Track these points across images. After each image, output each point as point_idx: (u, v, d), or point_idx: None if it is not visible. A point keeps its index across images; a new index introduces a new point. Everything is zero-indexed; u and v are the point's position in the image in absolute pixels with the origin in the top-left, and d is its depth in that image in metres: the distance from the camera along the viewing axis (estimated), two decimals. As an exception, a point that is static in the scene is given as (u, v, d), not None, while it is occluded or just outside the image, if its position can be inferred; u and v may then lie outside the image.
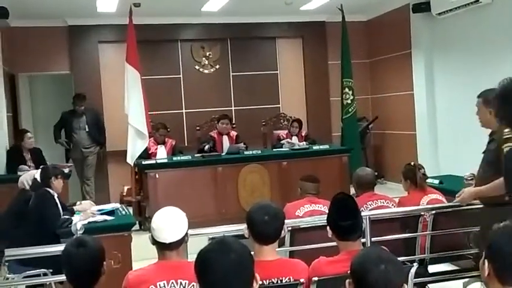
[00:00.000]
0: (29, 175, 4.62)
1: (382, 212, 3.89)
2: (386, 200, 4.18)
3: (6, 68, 7.75)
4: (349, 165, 7.07)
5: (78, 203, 4.83)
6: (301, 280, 2.51)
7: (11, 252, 3.45)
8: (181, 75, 9.08)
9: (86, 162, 7.85)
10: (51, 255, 3.39)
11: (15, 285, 4.09)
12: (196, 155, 6.97)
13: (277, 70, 9.56)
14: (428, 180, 4.67)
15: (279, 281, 2.50)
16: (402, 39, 8.67)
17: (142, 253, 3.84)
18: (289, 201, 4.32)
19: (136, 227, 5.67)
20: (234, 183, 6.66)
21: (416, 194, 4.22)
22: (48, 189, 4.34)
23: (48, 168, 4.62)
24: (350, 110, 8.34)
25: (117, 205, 4.83)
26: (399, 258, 3.34)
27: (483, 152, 3.62)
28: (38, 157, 7.02)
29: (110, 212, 4.59)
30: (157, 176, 6.42)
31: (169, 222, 2.52)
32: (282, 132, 8.12)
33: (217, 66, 9.23)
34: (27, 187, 4.50)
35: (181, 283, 2.41)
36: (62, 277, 2.38)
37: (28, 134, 7.14)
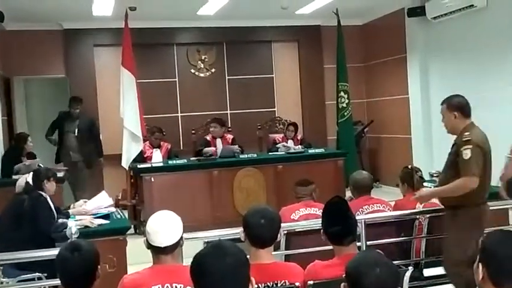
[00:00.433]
0: (25, 178, 4.59)
1: (377, 216, 3.89)
2: (382, 204, 4.18)
3: (2, 72, 7.74)
4: (345, 169, 7.08)
5: (72, 206, 4.80)
6: (297, 284, 2.51)
7: (5, 256, 3.43)
8: (177, 79, 9.09)
9: (78, 176, 7.65)
10: (46, 259, 3.39)
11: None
12: (192, 159, 6.96)
13: (272, 74, 9.57)
14: (424, 184, 4.68)
15: (274, 285, 2.49)
16: (397, 43, 8.70)
17: (137, 257, 3.83)
18: (284, 205, 4.32)
19: (132, 231, 5.65)
20: (229, 187, 6.65)
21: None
22: (40, 192, 4.30)
23: (40, 170, 4.57)
24: (345, 113, 8.35)
25: (113, 209, 4.79)
26: (394, 262, 3.36)
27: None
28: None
29: (105, 216, 4.57)
30: (152, 179, 6.40)
31: (164, 226, 2.51)
32: (278, 136, 8.12)
33: (213, 70, 9.24)
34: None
35: (176, 287, 2.41)
36: (57, 281, 2.37)
37: (29, 138, 7.13)
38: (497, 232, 1.91)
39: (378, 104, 9.54)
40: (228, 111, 9.26)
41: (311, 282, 2.54)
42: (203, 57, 9.18)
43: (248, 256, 2.12)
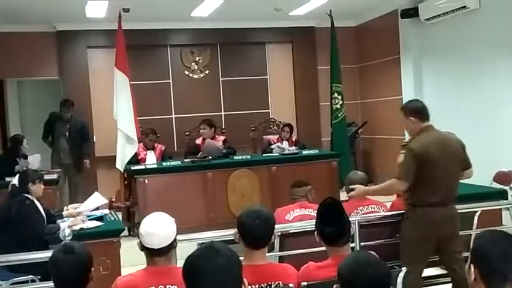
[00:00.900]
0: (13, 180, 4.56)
1: (370, 217, 3.89)
2: (377, 206, 4.17)
3: (-6, 73, 7.71)
4: (339, 170, 7.09)
5: (65, 208, 4.78)
6: (291, 285, 2.51)
7: (-2, 259, 3.42)
8: (170, 81, 9.08)
9: (70, 179, 7.65)
10: (40, 262, 3.38)
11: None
12: (186, 160, 6.95)
13: (266, 75, 9.58)
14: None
15: (268, 286, 2.50)
16: (391, 44, 8.72)
17: (131, 259, 3.81)
18: (279, 206, 4.32)
19: (125, 232, 5.63)
20: (223, 188, 6.64)
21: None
22: (27, 195, 4.26)
23: (25, 173, 4.49)
24: (339, 115, 8.36)
25: (106, 211, 4.78)
26: (389, 263, 3.36)
27: None
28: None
29: (99, 218, 4.56)
30: (146, 181, 6.38)
31: (158, 228, 2.51)
32: (273, 137, 8.11)
33: (207, 72, 9.23)
34: None
35: (169, 289, 2.41)
36: (50, 284, 2.36)
37: (25, 139, 7.10)
38: (487, 232, 1.91)
39: (372, 105, 9.56)
40: (222, 113, 9.26)
41: (305, 283, 2.54)
42: (197, 58, 9.18)
43: (242, 257, 2.12)
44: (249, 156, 7.12)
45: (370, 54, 9.49)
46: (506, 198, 4.70)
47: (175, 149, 8.66)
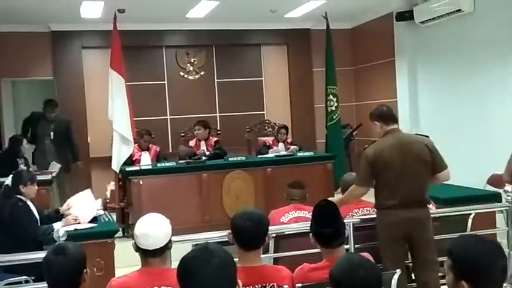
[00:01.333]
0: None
1: (365, 219, 3.89)
2: (372, 208, 4.17)
3: (-11, 73, 7.68)
4: (334, 172, 7.10)
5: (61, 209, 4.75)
6: (285, 286, 2.51)
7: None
8: (166, 82, 9.07)
9: (57, 180, 7.29)
10: (33, 262, 3.36)
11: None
12: (180, 161, 6.94)
13: (261, 77, 9.59)
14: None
15: (262, 287, 2.49)
16: (386, 47, 8.75)
17: (125, 260, 3.80)
18: (273, 207, 4.30)
19: (120, 234, 5.62)
20: (218, 189, 6.64)
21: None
22: (20, 196, 4.23)
23: (17, 174, 4.44)
24: (334, 117, 8.37)
25: (101, 211, 4.76)
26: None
27: None
28: (27, 162, 6.96)
29: (93, 219, 4.54)
30: (141, 182, 6.37)
31: (152, 229, 2.50)
32: (269, 139, 8.11)
33: (202, 73, 9.24)
34: None
35: (164, 290, 2.40)
36: (43, 284, 2.35)
37: (25, 140, 7.04)
38: (463, 236, 1.95)
39: (367, 108, 9.54)
40: (217, 114, 9.26)
41: (299, 285, 2.54)
42: (192, 59, 9.18)
43: (237, 259, 2.12)
44: (244, 158, 7.12)
45: (365, 56, 9.51)
46: (500, 201, 4.70)
47: (170, 150, 8.66)
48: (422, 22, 7.87)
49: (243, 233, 2.54)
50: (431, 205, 4.20)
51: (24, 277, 3.80)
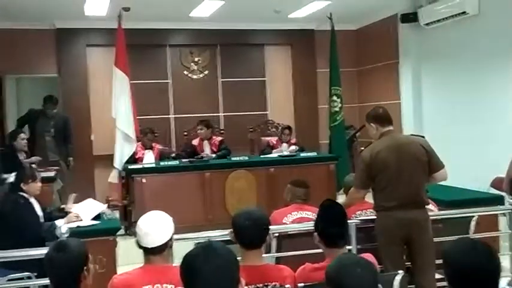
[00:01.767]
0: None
1: (367, 220, 3.88)
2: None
3: (-7, 70, 7.69)
4: (337, 173, 7.09)
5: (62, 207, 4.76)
6: (287, 286, 2.51)
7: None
8: (169, 81, 9.08)
9: (60, 176, 7.18)
10: (35, 259, 3.37)
11: (-1, 288, 4.04)
12: (184, 160, 6.94)
13: (265, 77, 9.59)
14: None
15: (264, 287, 2.49)
16: (390, 48, 8.74)
17: (127, 258, 3.81)
18: (276, 208, 4.30)
19: (122, 231, 5.63)
20: (221, 189, 6.64)
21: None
22: (22, 193, 4.24)
23: (21, 172, 4.45)
24: (338, 118, 8.35)
25: (104, 206, 4.76)
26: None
27: None
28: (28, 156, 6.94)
29: (96, 216, 4.55)
30: (144, 180, 6.38)
31: (153, 228, 2.51)
32: (272, 139, 8.11)
33: (206, 72, 9.24)
34: None
35: (166, 287, 2.40)
36: (46, 281, 2.36)
37: (21, 135, 6.98)
38: (454, 243, 1.95)
39: (370, 109, 9.54)
40: (221, 114, 9.26)
41: (301, 284, 2.54)
42: (196, 59, 9.18)
43: (239, 258, 2.12)
44: (247, 158, 7.12)
45: (369, 58, 9.51)
46: (504, 204, 4.70)
47: (174, 149, 8.66)
48: (427, 24, 7.86)
49: (244, 231, 2.55)
50: (432, 206, 4.20)
51: (26, 273, 3.80)
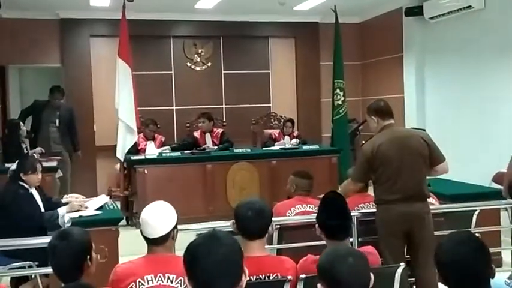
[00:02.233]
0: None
1: (369, 213, 3.88)
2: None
3: (-4, 60, 7.69)
4: (339, 166, 7.09)
5: (65, 197, 4.77)
6: (289, 277, 2.51)
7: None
8: (172, 72, 9.06)
9: (63, 167, 7.19)
10: (36, 248, 3.38)
11: (1, 276, 4.06)
12: (186, 152, 6.95)
13: (269, 69, 9.57)
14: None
15: (266, 278, 2.50)
16: (394, 42, 8.71)
17: (129, 248, 3.82)
18: (278, 200, 4.30)
19: (124, 222, 5.64)
20: (222, 180, 6.65)
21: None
22: (22, 183, 4.24)
23: (20, 163, 4.42)
24: (341, 111, 8.32)
25: (106, 198, 4.76)
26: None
27: None
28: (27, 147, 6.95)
29: (98, 207, 4.55)
30: (146, 171, 6.39)
31: (155, 218, 2.51)
32: (275, 132, 8.12)
33: (209, 64, 9.22)
34: None
35: (168, 277, 2.41)
36: (47, 269, 2.36)
37: (22, 125, 6.99)
38: (447, 238, 1.96)
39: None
40: (223, 106, 9.25)
41: (303, 276, 2.54)
42: (200, 50, 9.16)
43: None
44: (249, 150, 7.12)
45: (373, 51, 9.48)
46: (505, 199, 4.69)
47: (176, 141, 8.64)
48: (431, 18, 7.83)
49: (246, 222, 2.55)
50: (433, 200, 4.21)
51: (28, 262, 3.82)
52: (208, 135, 7.48)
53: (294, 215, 3.98)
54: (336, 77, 8.36)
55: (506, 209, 4.59)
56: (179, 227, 2.63)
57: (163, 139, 7.44)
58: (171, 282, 2.41)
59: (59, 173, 6.71)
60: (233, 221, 2.61)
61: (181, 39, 9.08)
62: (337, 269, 1.82)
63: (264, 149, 7.56)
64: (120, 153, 6.62)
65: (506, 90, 6.68)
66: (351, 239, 3.47)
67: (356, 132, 9.27)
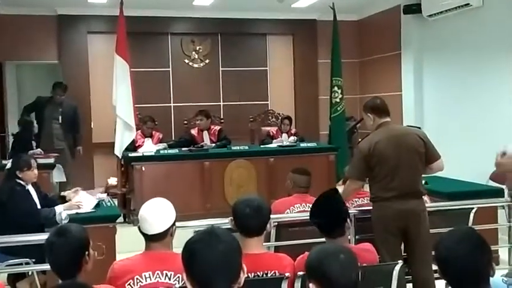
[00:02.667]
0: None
1: (366, 210, 3.89)
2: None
3: (-6, 56, 7.66)
4: (336, 164, 7.09)
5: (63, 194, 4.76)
6: (287, 274, 2.51)
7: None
8: (170, 69, 9.05)
9: (64, 164, 7.10)
10: (33, 245, 3.37)
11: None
12: (183, 149, 6.94)
13: (266, 67, 9.56)
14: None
15: (264, 275, 2.50)
16: (392, 40, 8.70)
17: (126, 245, 3.81)
18: (275, 197, 4.30)
19: (121, 219, 5.63)
20: (220, 178, 6.64)
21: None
22: (19, 180, 4.25)
23: (15, 160, 4.45)
24: (338, 108, 8.32)
25: (103, 195, 4.76)
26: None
27: None
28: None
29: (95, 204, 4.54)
30: (143, 168, 6.38)
31: (153, 215, 2.51)
32: (272, 129, 8.11)
33: (207, 61, 9.21)
34: None
35: (166, 274, 2.41)
36: (45, 266, 2.35)
37: (34, 122, 6.99)
38: (445, 235, 1.96)
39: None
40: (221, 103, 9.25)
41: (301, 273, 2.54)
42: (197, 47, 9.14)
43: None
44: (246, 147, 7.12)
45: (371, 49, 9.47)
46: (503, 197, 4.71)
47: (173, 138, 8.64)
48: (430, 15, 7.82)
49: (244, 219, 2.55)
50: (426, 197, 4.22)
51: (25, 259, 3.81)
52: (205, 133, 7.47)
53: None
54: (334, 74, 8.36)
55: (503, 207, 4.61)
56: (177, 224, 2.63)
57: (160, 136, 7.43)
58: (169, 279, 2.41)
59: (62, 178, 6.68)
60: (231, 218, 2.61)
61: (179, 36, 9.07)
62: (330, 267, 1.82)
63: (261, 146, 7.55)
64: (118, 150, 6.61)
65: (504, 87, 6.68)
66: (348, 237, 3.47)
67: (354, 130, 9.27)
